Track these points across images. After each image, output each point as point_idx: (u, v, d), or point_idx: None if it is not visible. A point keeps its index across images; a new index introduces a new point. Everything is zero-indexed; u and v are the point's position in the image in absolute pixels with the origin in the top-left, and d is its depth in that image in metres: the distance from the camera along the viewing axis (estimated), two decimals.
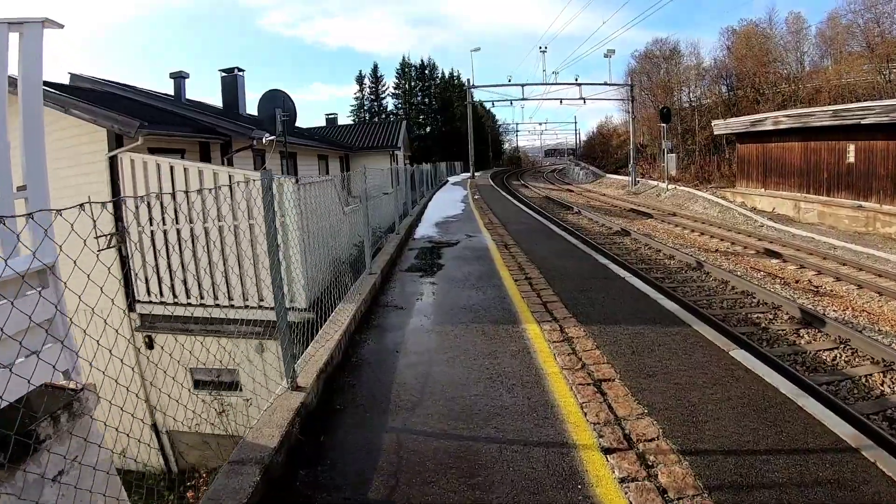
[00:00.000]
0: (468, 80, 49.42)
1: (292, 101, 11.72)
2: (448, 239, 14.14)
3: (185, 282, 9.11)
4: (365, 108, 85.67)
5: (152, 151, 11.23)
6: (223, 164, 13.25)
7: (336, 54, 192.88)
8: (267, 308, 8.46)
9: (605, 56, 43.16)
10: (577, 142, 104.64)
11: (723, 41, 51.56)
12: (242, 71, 22.47)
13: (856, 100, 31.50)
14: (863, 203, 21.44)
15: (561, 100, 47.14)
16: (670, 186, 35.69)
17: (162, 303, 9.42)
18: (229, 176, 8.59)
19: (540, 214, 22.06)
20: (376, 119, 70.40)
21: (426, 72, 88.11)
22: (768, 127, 27.58)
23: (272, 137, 12.30)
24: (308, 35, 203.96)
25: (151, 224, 9.11)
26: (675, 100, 53.12)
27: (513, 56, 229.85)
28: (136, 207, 9.10)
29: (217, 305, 8.89)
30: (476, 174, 51.71)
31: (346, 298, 7.30)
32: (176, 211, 8.93)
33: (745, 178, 30.64)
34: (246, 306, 8.64)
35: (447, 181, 46.18)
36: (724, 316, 9.81)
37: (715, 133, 35.60)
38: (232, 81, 22.76)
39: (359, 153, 32.70)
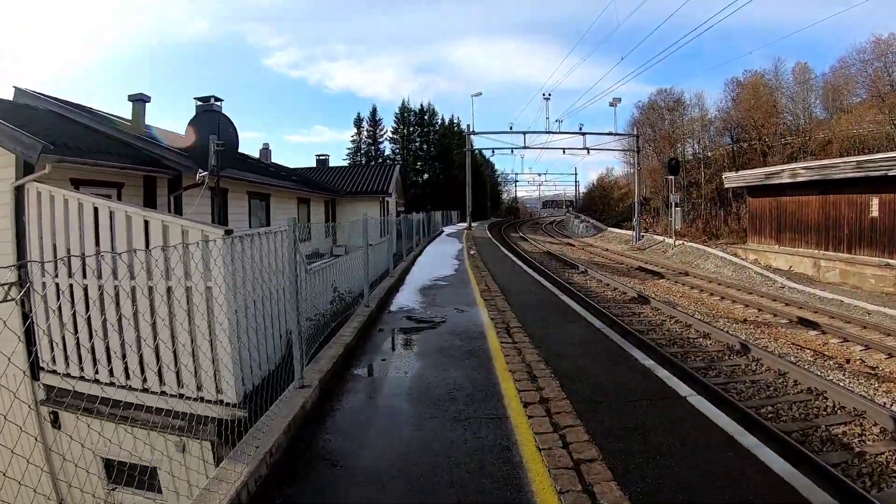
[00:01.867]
0: (468, 125, 47.46)
1: (233, 126, 9.08)
2: (433, 315, 10.52)
3: (92, 352, 7.06)
4: (361, 151, 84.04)
5: (79, 184, 9.35)
6: (169, 202, 11.12)
7: (338, 97, 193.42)
8: (191, 399, 6.41)
9: (611, 104, 41.76)
10: (577, 194, 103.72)
11: (727, 92, 50.48)
12: (220, 100, 20.43)
13: (867, 151, 30.49)
14: (889, 260, 20.07)
15: (564, 149, 45.47)
16: (677, 242, 33.90)
17: (68, 375, 7.37)
18: (145, 222, 6.54)
19: (544, 276, 19.36)
20: (372, 163, 68.38)
21: (426, 117, 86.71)
22: (785, 179, 26.17)
23: (205, 173, 9.24)
24: (312, 77, 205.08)
25: (57, 276, 7.10)
26: (679, 152, 51.78)
27: (514, 107, 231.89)
28: (41, 252, 7.26)
29: (129, 387, 6.82)
30: (473, 224, 49.92)
31: (236, 453, 4.36)
32: (84, 264, 6.92)
33: (757, 234, 29.03)
34: (163, 393, 6.56)
35: (442, 231, 44.18)
36: (803, 434, 7.44)
37: (726, 186, 33.90)
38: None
39: (346, 198, 30.71)
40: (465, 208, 49.39)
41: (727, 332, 12.84)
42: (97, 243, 6.90)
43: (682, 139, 54.01)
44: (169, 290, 6.27)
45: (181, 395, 6.47)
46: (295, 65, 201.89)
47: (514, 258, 24.66)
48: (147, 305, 6.37)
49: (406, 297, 12.72)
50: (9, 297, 7.22)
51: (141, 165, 10.93)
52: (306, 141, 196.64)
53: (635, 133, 47.64)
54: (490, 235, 41.15)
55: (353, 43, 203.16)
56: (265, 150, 31.98)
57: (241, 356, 6.25)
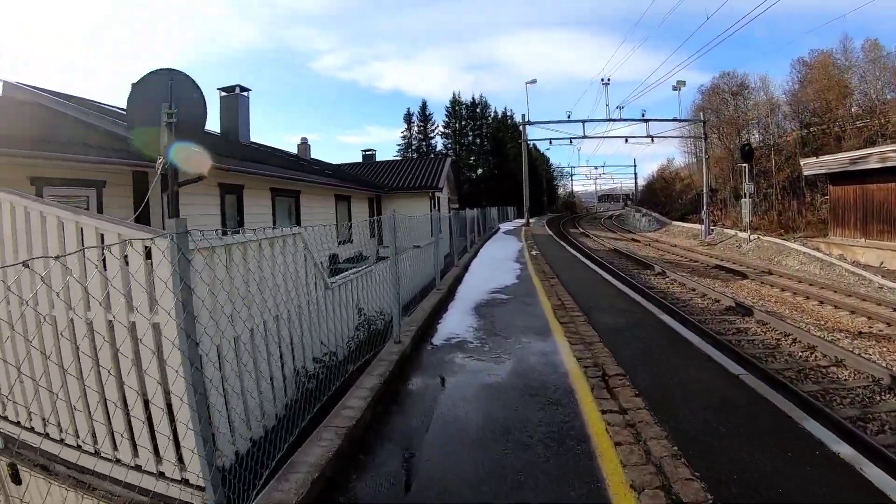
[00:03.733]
0: (523, 115, 44.77)
1: (199, 91, 6.53)
2: (492, 353, 7.43)
3: (38, 400, 5.39)
4: (412, 147, 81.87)
5: (43, 183, 7.89)
6: (162, 200, 9.22)
7: (387, 97, 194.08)
8: (149, 473, 4.63)
9: (674, 88, 39.01)
10: (636, 186, 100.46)
11: (793, 74, 47.16)
12: (247, 91, 18.59)
13: None
14: None
15: (626, 138, 42.97)
16: (752, 236, 31.19)
17: (19, 424, 5.72)
18: (80, 229, 4.75)
19: (621, 281, 16.49)
20: (424, 157, 66.30)
21: (478, 110, 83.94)
22: (872, 165, 23.50)
23: (161, 160, 6.30)
24: (362, 78, 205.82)
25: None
26: (745, 138, 48.52)
27: (568, 101, 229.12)
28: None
29: (79, 447, 5.09)
30: (531, 220, 47.58)
31: None
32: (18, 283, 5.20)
33: (840, 226, 26.34)
34: (116, 460, 4.81)
35: (498, 228, 41.75)
36: None
37: (805, 173, 30.74)
38: (233, 103, 18.51)
39: (393, 194, 28.68)
40: (522, 203, 47.03)
41: (860, 355, 10.38)
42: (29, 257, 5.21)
43: (749, 124, 50.86)
44: (110, 324, 4.50)
45: (137, 467, 4.72)
46: (344, 67, 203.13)
47: (582, 258, 22.07)
48: (86, 343, 4.64)
49: (456, 321, 9.51)
50: None
51: (125, 159, 9.04)
52: (359, 141, 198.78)
53: (702, 118, 44.47)
54: (550, 232, 38.88)
55: (402, 42, 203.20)
56: (304, 146, 30.11)
57: (214, 418, 4.45)
